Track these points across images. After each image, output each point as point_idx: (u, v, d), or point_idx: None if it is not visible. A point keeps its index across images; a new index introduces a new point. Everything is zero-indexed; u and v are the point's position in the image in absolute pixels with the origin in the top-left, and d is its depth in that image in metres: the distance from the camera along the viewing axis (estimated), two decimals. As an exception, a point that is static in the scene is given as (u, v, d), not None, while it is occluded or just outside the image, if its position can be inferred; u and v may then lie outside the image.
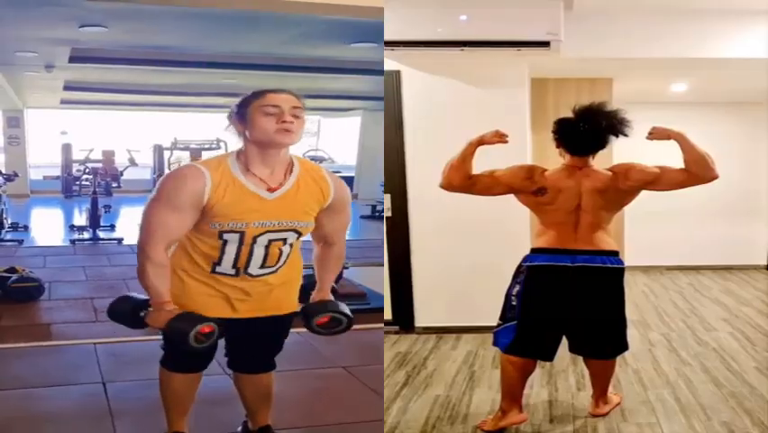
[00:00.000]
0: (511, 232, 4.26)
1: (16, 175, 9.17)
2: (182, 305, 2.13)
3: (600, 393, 3.04)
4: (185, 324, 2.06)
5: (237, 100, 2.10)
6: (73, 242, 8.01)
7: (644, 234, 6.52)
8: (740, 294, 5.96)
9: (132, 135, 15.86)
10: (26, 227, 8.98)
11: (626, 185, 2.74)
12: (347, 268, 4.91)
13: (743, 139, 7.13)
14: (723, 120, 7.05)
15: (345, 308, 2.33)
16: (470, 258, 4.50)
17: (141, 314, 2.14)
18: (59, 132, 17.73)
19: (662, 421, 3.00)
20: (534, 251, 2.82)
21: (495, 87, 4.45)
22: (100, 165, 10.95)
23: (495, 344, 2.88)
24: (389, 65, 4.44)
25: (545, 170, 2.78)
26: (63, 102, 13.07)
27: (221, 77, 8.62)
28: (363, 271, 5.67)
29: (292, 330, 2.41)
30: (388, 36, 4.01)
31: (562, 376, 3.58)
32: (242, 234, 2.06)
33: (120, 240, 7.99)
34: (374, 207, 11.32)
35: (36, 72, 8.63)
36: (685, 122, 4.44)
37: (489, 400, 3.25)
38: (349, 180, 14.39)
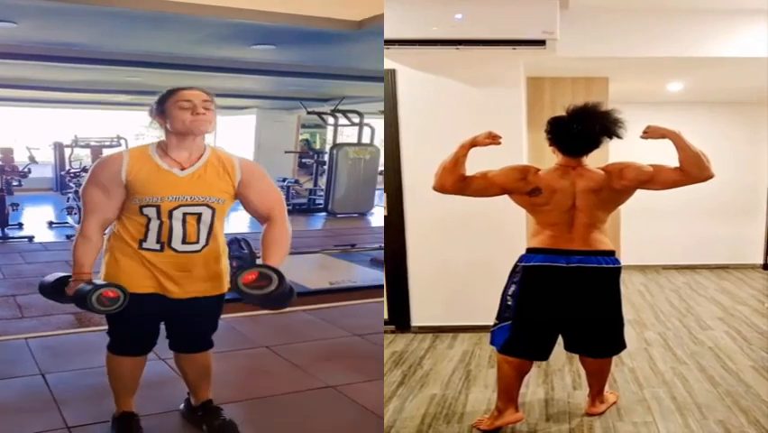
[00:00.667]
0: (507, 231, 4.26)
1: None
2: (119, 282, 2.33)
3: (597, 392, 3.04)
4: (89, 287, 2.24)
5: (155, 98, 2.40)
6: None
7: (640, 233, 6.53)
8: (736, 293, 5.97)
9: (30, 133, 15.55)
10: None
11: (620, 184, 2.74)
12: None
13: (739, 138, 7.13)
14: (719, 119, 7.06)
15: (278, 270, 2.30)
16: (467, 257, 4.50)
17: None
18: None
19: (657, 420, 3.00)
20: (529, 251, 2.81)
21: (491, 86, 4.45)
22: (1, 163, 10.85)
23: (492, 343, 2.88)
24: (385, 64, 4.43)
25: (539, 170, 2.78)
26: (2, 99, 12.87)
27: (124, 74, 8.72)
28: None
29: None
30: (383, 35, 4.02)
31: (559, 375, 3.58)
32: (158, 207, 2.33)
33: (31, 238, 7.87)
34: None
35: None
36: (681, 121, 4.43)
37: (485, 400, 3.25)
38: None
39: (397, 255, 4.60)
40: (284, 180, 12.04)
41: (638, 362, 3.86)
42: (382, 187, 4.96)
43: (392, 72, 4.47)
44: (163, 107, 2.35)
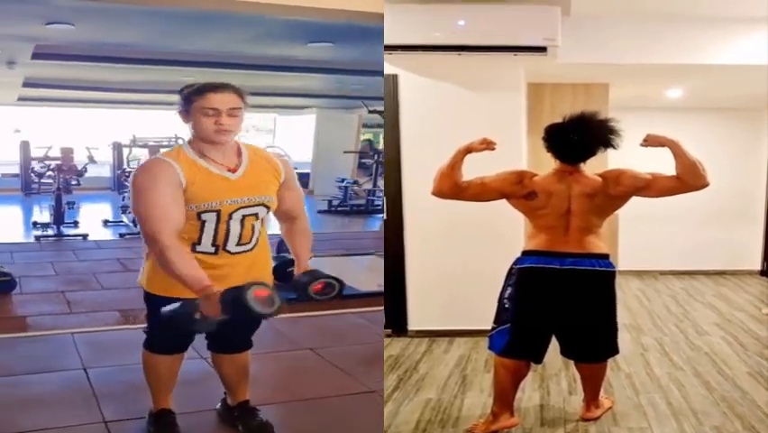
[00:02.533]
0: (505, 235, 4.27)
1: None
2: (163, 289, 2.28)
3: (592, 397, 3.05)
4: (237, 291, 2.04)
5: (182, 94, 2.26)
6: (38, 238, 7.98)
7: (638, 238, 6.55)
8: (733, 299, 5.98)
9: (90, 133, 15.69)
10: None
11: (616, 190, 2.76)
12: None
13: (738, 144, 7.16)
14: (718, 126, 7.08)
15: (339, 279, 2.42)
16: (464, 262, 4.51)
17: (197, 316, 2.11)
18: (14, 129, 17.51)
19: (653, 426, 3.01)
20: (524, 253, 2.84)
21: (492, 92, 4.47)
22: (60, 162, 10.97)
23: (490, 347, 2.90)
24: (387, 69, 4.45)
25: (535, 174, 2.81)
26: (20, 99, 12.98)
27: (180, 74, 8.59)
28: (324, 261, 5.79)
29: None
30: (386, 40, 4.03)
31: (554, 380, 3.59)
32: (218, 212, 2.25)
33: (85, 236, 8.00)
34: (330, 201, 11.60)
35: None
36: (680, 127, 4.46)
37: (481, 404, 3.25)
38: (305, 177, 14.28)
39: (396, 259, 4.62)
40: (342, 181, 12.03)
41: (634, 367, 3.87)
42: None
43: (394, 77, 4.49)
44: (189, 108, 2.22)
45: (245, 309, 2.04)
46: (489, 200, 2.83)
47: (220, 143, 2.25)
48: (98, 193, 12.72)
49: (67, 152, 13.32)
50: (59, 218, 8.39)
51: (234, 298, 2.05)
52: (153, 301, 2.36)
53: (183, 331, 2.26)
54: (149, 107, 14.83)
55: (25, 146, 13.92)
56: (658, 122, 4.71)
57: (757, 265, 7.27)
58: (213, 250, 2.31)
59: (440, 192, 2.79)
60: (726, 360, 4.04)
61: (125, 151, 13.64)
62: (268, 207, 2.36)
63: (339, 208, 11.75)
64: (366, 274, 6.05)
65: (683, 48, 4.59)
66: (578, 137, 2.71)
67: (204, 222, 2.25)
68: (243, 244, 2.35)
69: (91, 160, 11.91)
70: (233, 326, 2.30)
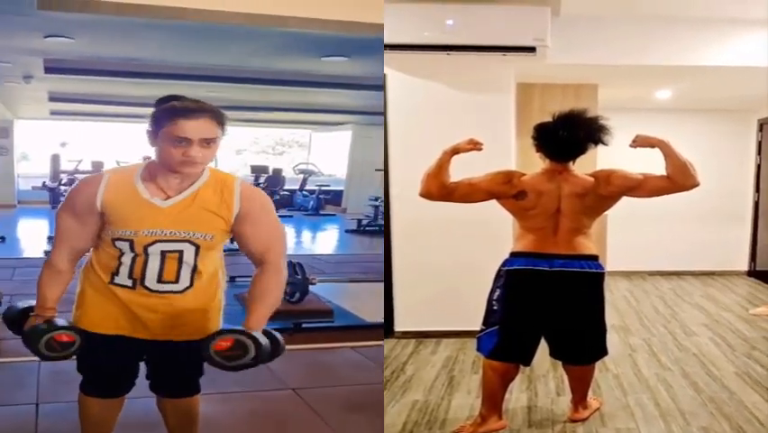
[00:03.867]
0: (492, 236, 4.26)
1: None
2: (80, 319, 2.07)
3: (579, 398, 3.05)
4: (41, 327, 1.98)
5: (151, 110, 1.96)
6: (47, 253, 7.76)
7: (626, 239, 6.56)
8: (721, 300, 6.01)
9: (123, 147, 15.80)
10: (3, 238, 8.78)
11: (607, 190, 2.75)
12: (313, 284, 4.78)
13: (726, 146, 7.19)
14: (707, 127, 7.11)
15: (259, 335, 1.97)
16: (451, 262, 4.50)
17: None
18: (59, 143, 17.44)
19: (641, 426, 3.01)
20: (513, 254, 2.82)
21: (481, 92, 4.46)
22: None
23: (478, 349, 2.88)
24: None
25: (523, 174, 2.79)
26: (53, 113, 13.01)
27: (205, 90, 8.32)
28: (338, 287, 5.56)
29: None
30: (373, 39, 4.02)
31: (542, 381, 3.58)
32: (131, 242, 1.97)
33: None
34: (359, 221, 11.40)
35: (16, 83, 8.49)
36: (669, 128, 4.46)
37: (468, 406, 3.25)
38: (338, 194, 14.02)
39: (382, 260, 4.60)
40: (376, 200, 11.45)
41: (622, 368, 3.88)
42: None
43: (382, 77, 4.47)
44: (157, 131, 1.91)
45: (36, 350, 1.97)
46: (477, 201, 2.81)
47: (185, 174, 1.95)
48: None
49: (97, 166, 13.43)
50: None
51: (30, 333, 1.99)
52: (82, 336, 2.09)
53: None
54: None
55: (55, 159, 13.97)
56: (647, 123, 4.71)
57: (745, 266, 7.31)
58: (130, 284, 2.02)
59: (428, 194, 2.77)
60: (714, 360, 4.05)
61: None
62: (196, 246, 1.99)
63: (367, 228, 11.36)
64: (373, 302, 5.26)
65: (673, 49, 4.60)
66: (568, 134, 2.69)
67: (121, 252, 1.99)
68: (168, 283, 2.01)
69: None
70: (171, 368, 2.16)
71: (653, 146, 2.70)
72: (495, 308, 2.81)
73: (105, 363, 2.11)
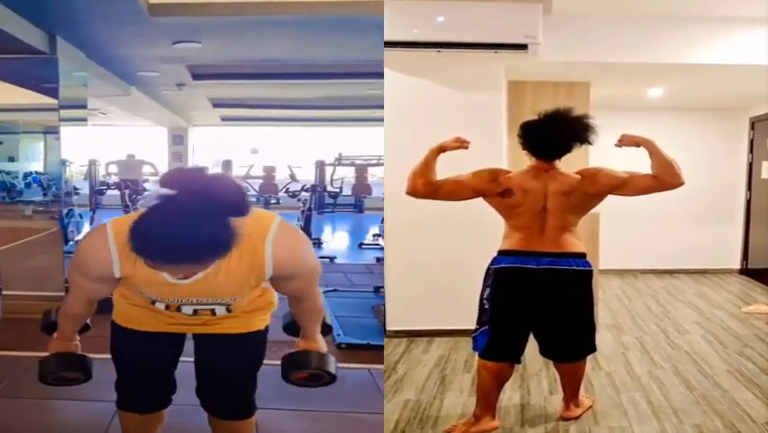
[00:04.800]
0: (482, 234, 4.21)
1: None
2: (125, 320, 2.07)
3: (571, 396, 3.04)
4: (49, 368, 2.06)
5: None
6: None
7: (618, 237, 6.54)
8: (713, 297, 6.01)
9: (296, 151, 15.53)
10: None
11: (593, 188, 2.74)
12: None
13: (718, 144, 7.21)
14: (699, 125, 7.12)
15: (331, 363, 2.08)
16: (442, 261, 4.49)
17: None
18: (250, 150, 17.07)
19: (633, 424, 3.01)
20: (500, 253, 2.81)
21: (472, 90, 4.45)
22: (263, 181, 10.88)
23: (474, 349, 2.87)
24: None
25: (509, 172, 2.79)
26: (224, 119, 12.81)
27: (363, 87, 7.47)
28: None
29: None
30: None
31: (535, 380, 3.57)
32: (165, 304, 1.92)
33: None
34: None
35: (173, 91, 8.30)
36: (661, 127, 4.48)
37: (460, 405, 3.24)
38: None
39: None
40: None
41: (615, 366, 3.87)
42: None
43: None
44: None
45: (43, 379, 2.08)
46: (463, 199, 2.80)
47: None
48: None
49: (269, 171, 13.41)
50: None
51: (41, 370, 2.06)
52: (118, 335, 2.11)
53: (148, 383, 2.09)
54: (354, 125, 13.72)
55: (227, 165, 13.93)
56: (639, 121, 4.73)
57: (737, 264, 7.32)
58: (168, 312, 1.98)
59: (414, 191, 2.76)
60: (707, 358, 4.05)
61: (329, 169, 13.03)
62: (227, 305, 1.94)
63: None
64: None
65: (665, 47, 4.59)
66: (554, 133, 2.69)
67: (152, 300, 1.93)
68: (202, 316, 1.99)
69: (293, 178, 11.82)
70: (216, 377, 2.12)
71: (638, 145, 2.70)
72: (486, 307, 2.80)
73: (143, 359, 2.08)
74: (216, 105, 10.22)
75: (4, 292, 4.27)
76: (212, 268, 1.72)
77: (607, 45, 4.59)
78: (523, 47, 4.11)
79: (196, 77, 6.91)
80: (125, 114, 11.06)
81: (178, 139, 14.02)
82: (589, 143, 2.73)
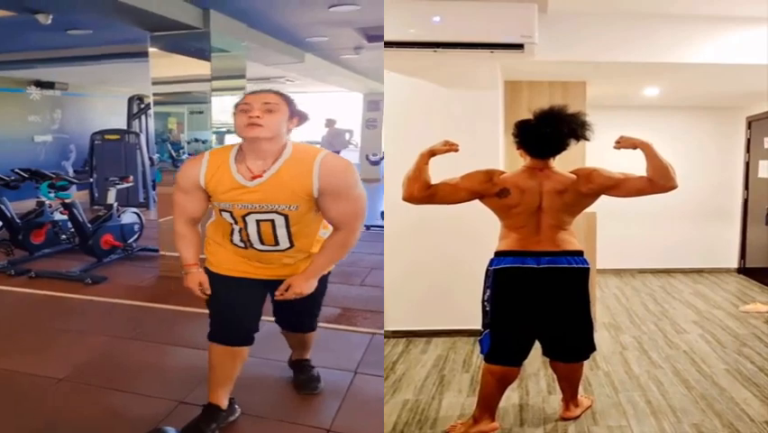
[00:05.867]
0: (479, 234, 4.19)
1: None
2: (216, 266, 2.57)
3: (570, 396, 3.03)
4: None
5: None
6: (367, 228, 7.09)
7: (615, 236, 6.56)
8: (711, 297, 6.01)
9: None
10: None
11: (587, 188, 2.74)
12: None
13: (714, 143, 7.20)
14: (695, 124, 7.12)
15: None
16: (439, 261, 4.47)
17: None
18: None
19: (632, 424, 3.00)
20: (498, 254, 2.80)
21: (468, 89, 4.44)
22: None
23: (481, 352, 2.86)
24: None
25: (503, 172, 2.79)
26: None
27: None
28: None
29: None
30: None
31: (533, 380, 3.57)
32: (231, 213, 2.39)
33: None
34: None
35: (351, 55, 8.12)
36: (657, 126, 4.49)
37: (459, 405, 3.23)
38: None
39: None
40: None
41: (613, 365, 3.86)
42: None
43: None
44: (234, 110, 2.35)
45: None
46: (460, 201, 2.79)
47: (251, 138, 2.29)
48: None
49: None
50: None
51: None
52: (212, 279, 2.56)
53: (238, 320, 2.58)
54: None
55: None
56: (636, 120, 4.74)
57: (734, 263, 7.32)
58: (242, 245, 2.48)
59: (410, 197, 2.75)
60: (705, 358, 4.05)
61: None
62: (284, 215, 2.37)
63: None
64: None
65: (661, 46, 4.58)
66: (550, 131, 2.69)
67: (225, 218, 2.43)
68: (270, 245, 2.45)
69: None
70: (286, 306, 2.65)
71: (636, 147, 2.69)
72: (487, 309, 2.79)
73: (231, 300, 2.55)
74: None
75: (161, 253, 5.38)
76: (270, 174, 2.31)
77: (602, 44, 4.58)
78: (519, 47, 4.09)
79: (371, 38, 6.68)
80: (314, 81, 10.98)
81: (373, 105, 13.63)
82: (586, 139, 2.72)
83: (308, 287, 2.51)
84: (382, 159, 8.73)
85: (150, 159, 9.32)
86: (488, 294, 2.79)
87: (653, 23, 4.50)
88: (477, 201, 2.81)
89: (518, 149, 2.80)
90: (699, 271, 7.24)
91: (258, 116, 2.26)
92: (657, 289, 6.43)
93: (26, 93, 10.35)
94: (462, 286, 4.23)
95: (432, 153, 2.69)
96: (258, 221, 2.38)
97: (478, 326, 2.85)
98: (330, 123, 12.01)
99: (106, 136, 9.44)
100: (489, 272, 2.79)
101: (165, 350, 3.74)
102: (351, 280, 5.07)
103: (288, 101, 2.36)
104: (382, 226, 7.37)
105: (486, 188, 2.74)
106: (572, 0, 4.26)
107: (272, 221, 2.37)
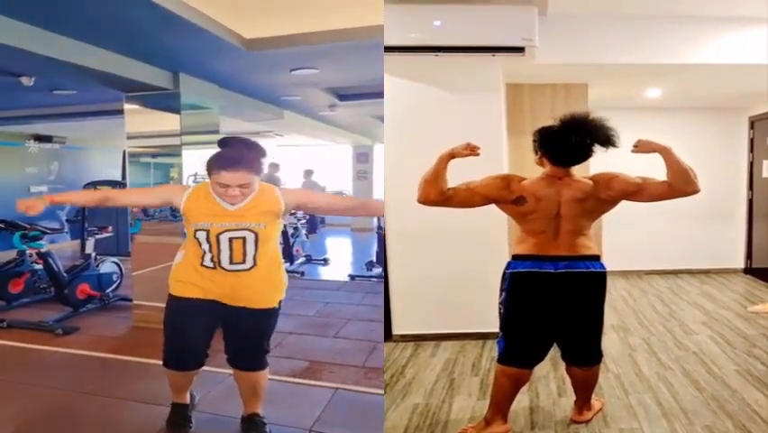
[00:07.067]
0: (488, 239, 4.23)
1: None
2: (173, 288, 2.84)
3: (584, 401, 3.01)
4: None
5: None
6: (353, 277, 7.46)
7: (622, 238, 6.52)
8: (718, 297, 5.98)
9: None
10: (325, 260, 8.80)
11: (606, 194, 2.71)
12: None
13: (718, 144, 7.18)
14: (699, 125, 7.11)
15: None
16: (447, 265, 4.45)
17: None
18: None
19: (644, 426, 2.98)
20: (515, 257, 2.78)
21: (470, 93, 4.43)
22: None
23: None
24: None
25: (523, 178, 2.75)
26: None
27: None
28: None
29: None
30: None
31: (543, 382, 3.54)
32: (207, 231, 2.71)
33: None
34: None
35: (328, 112, 8.25)
36: (660, 127, 4.48)
37: (469, 408, 3.21)
38: None
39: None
40: None
41: (623, 367, 3.84)
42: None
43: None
44: (209, 172, 2.67)
45: None
46: (476, 206, 2.77)
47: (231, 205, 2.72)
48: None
49: None
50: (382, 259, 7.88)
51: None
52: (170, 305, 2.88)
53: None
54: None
55: None
56: (638, 122, 4.73)
57: (741, 263, 7.29)
58: (212, 265, 2.75)
59: (426, 200, 2.73)
60: (715, 359, 4.02)
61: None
62: (255, 233, 2.71)
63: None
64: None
65: (662, 47, 4.57)
66: (577, 138, 2.65)
67: (199, 241, 2.73)
68: (237, 263, 2.74)
69: None
70: (241, 335, 2.91)
71: (654, 151, 2.65)
72: (501, 312, 2.78)
73: (187, 323, 2.80)
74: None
75: (135, 302, 5.35)
76: (247, 202, 2.70)
77: (603, 46, 4.57)
78: (520, 49, 4.08)
79: (342, 97, 6.95)
80: (300, 135, 11.26)
81: (362, 157, 13.95)
82: (615, 147, 2.66)
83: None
84: None
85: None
86: (503, 297, 2.77)
87: (654, 25, 4.49)
88: (487, 207, 2.79)
89: (538, 156, 2.77)
90: (706, 272, 7.22)
91: (235, 195, 2.66)
92: (664, 290, 6.40)
93: (25, 146, 10.66)
94: (471, 290, 4.21)
95: (452, 156, 2.67)
96: (231, 239, 2.71)
97: (486, 329, 2.84)
98: (308, 173, 12.13)
99: (98, 187, 9.50)
100: (506, 275, 2.77)
101: (120, 405, 3.50)
102: (324, 332, 4.91)
103: (259, 169, 2.71)
104: (368, 277, 7.65)
105: (503, 195, 2.72)
106: (572, 2, 4.25)
107: (244, 238, 2.71)
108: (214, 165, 2.65)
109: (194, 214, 2.73)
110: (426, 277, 4.50)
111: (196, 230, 2.72)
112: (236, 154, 2.66)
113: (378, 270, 7.69)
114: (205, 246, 2.72)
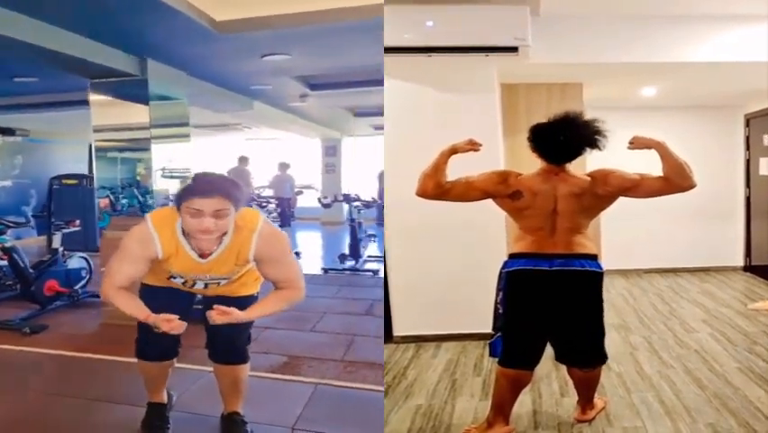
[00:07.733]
0: (488, 239, 4.22)
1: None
2: (149, 279, 2.64)
3: (586, 401, 2.99)
4: None
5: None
6: (326, 270, 7.53)
7: (621, 236, 6.53)
8: (718, 295, 5.97)
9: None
10: (297, 254, 8.51)
11: (604, 190, 2.70)
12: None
13: (714, 142, 7.18)
14: (695, 124, 7.11)
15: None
16: (447, 265, 4.44)
17: None
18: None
19: (647, 424, 2.96)
20: (512, 256, 2.77)
21: (465, 93, 4.41)
22: None
23: (490, 355, 2.82)
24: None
25: (520, 174, 2.75)
26: (376, 128, 12.58)
27: None
28: None
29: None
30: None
31: (545, 382, 3.53)
32: (184, 280, 2.61)
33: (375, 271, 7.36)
34: None
35: (298, 103, 8.23)
36: (656, 126, 4.45)
37: (472, 409, 3.20)
38: None
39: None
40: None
41: (625, 366, 3.82)
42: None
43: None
44: (179, 204, 2.37)
45: None
46: (473, 200, 2.77)
47: (203, 241, 2.42)
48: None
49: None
50: (355, 252, 7.91)
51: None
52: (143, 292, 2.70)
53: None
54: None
55: (381, 177, 13.75)
56: (634, 121, 4.71)
57: (740, 261, 7.28)
58: (183, 285, 2.65)
59: (424, 193, 2.73)
60: (716, 356, 4.00)
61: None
62: (228, 278, 2.61)
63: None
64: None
65: (656, 46, 4.57)
66: (565, 137, 2.64)
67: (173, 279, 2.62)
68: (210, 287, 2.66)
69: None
70: (216, 332, 2.73)
71: (650, 147, 2.65)
72: (500, 311, 2.76)
73: (161, 311, 2.46)
74: (359, 114, 9.98)
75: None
76: (218, 253, 2.48)
77: (597, 45, 4.58)
78: (513, 49, 4.09)
79: (313, 87, 6.84)
80: (269, 128, 11.19)
81: (331, 150, 14.09)
82: (599, 149, 2.67)
83: (242, 318, 2.54)
84: (336, 201, 8.95)
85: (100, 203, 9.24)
86: (500, 296, 2.75)
87: (648, 23, 4.49)
88: (484, 206, 2.79)
89: (533, 152, 2.77)
90: (706, 270, 7.21)
91: (210, 225, 2.34)
92: (664, 288, 6.39)
93: (-14, 140, 10.44)
94: (471, 289, 4.19)
95: (453, 151, 2.68)
96: (206, 283, 2.61)
97: (488, 329, 2.82)
98: (282, 167, 12.01)
99: (64, 181, 9.27)
100: (502, 275, 2.75)
101: (93, 407, 3.32)
102: (300, 326, 4.78)
103: (236, 199, 2.39)
104: (341, 270, 7.72)
105: (499, 190, 2.71)
106: (564, 2, 4.26)
107: (218, 282, 2.61)
108: (184, 194, 2.37)
109: (170, 267, 2.53)
110: (426, 277, 4.48)
111: (170, 276, 2.59)
112: (211, 179, 2.40)
113: (350, 262, 7.82)
114: (179, 281, 2.62)
